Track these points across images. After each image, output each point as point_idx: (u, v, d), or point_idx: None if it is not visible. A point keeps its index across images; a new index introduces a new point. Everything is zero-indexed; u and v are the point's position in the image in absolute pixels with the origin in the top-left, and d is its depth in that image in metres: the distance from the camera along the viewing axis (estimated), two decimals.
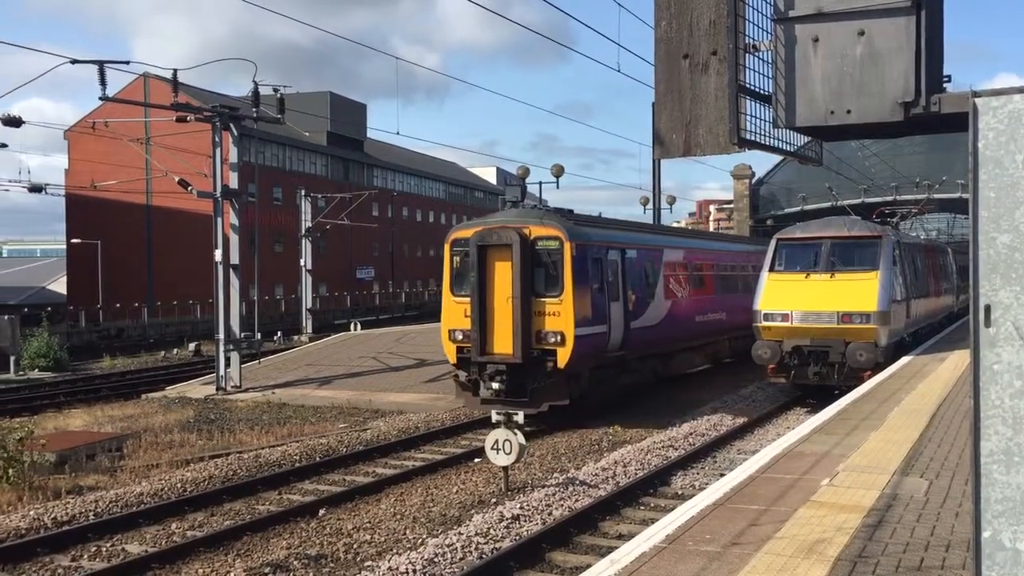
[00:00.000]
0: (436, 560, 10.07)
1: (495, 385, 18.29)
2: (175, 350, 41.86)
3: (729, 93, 4.38)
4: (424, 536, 11.32)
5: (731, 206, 76.12)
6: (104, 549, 11.15)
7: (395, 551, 10.69)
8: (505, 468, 13.57)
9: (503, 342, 18.41)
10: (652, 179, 41.43)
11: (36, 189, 44.92)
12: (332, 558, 10.59)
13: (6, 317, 34.45)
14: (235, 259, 25.33)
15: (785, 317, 20.51)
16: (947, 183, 49.05)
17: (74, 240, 60.95)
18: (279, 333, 45.29)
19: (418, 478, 14.65)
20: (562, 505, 12.44)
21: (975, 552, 3.71)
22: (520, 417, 13.54)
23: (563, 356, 18.15)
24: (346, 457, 16.17)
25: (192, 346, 41.37)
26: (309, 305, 47.76)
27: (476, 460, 15.62)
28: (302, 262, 46.68)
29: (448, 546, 10.47)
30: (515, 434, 13.25)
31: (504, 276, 18.41)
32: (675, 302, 23.61)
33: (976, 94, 3.69)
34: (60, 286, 70.86)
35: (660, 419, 19.60)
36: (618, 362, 20.44)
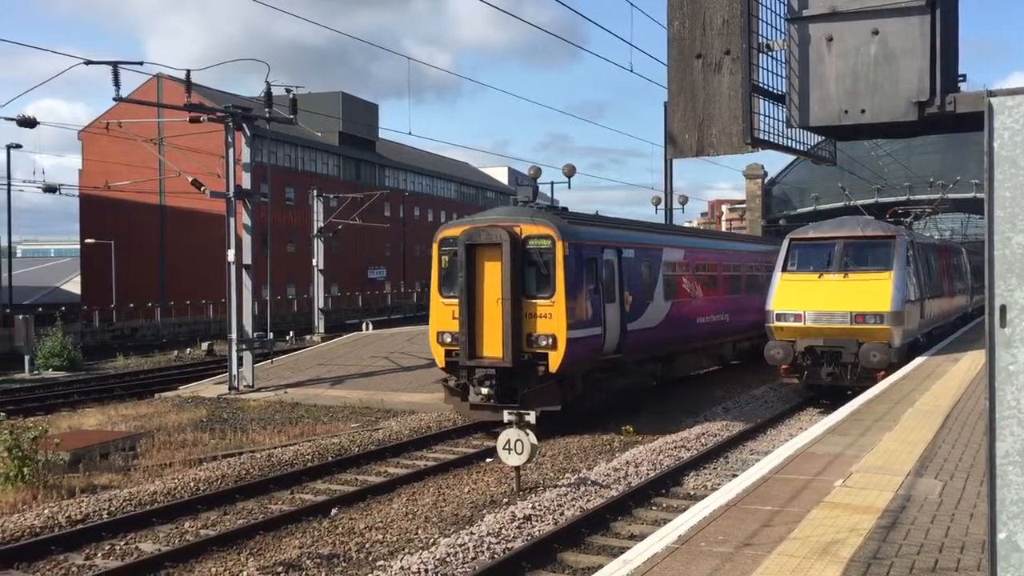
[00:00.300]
0: (448, 560, 10.08)
1: (484, 390, 17.62)
2: (188, 350, 42.02)
3: (742, 93, 4.37)
4: (436, 536, 11.33)
5: (743, 206, 75.90)
6: (118, 548, 11.21)
7: (407, 551, 10.71)
8: (517, 468, 13.57)
9: (493, 345, 17.79)
10: (664, 179, 41.42)
11: (50, 189, 45.24)
12: (344, 557, 10.61)
13: (21, 317, 34.67)
14: (248, 259, 25.40)
15: (798, 317, 20.45)
16: (961, 183, 48.75)
17: (88, 240, 61.26)
18: (291, 333, 45.41)
19: (430, 478, 14.67)
20: (574, 505, 12.43)
21: (990, 554, 3.69)
22: (532, 417, 13.51)
23: (555, 360, 17.50)
24: (358, 457, 16.20)
25: (205, 346, 41.52)
26: (321, 305, 47.87)
27: (488, 460, 15.63)
28: (314, 262, 46.78)
29: (460, 546, 10.48)
30: (527, 434, 13.25)
31: (494, 276, 17.78)
32: (675, 303, 22.90)
33: (991, 93, 3.68)
34: (74, 286, 71.29)
35: (672, 419, 19.57)
36: (614, 365, 19.73)
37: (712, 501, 8.74)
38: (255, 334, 25.91)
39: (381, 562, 10.32)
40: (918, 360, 20.30)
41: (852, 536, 7.30)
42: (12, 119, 27.28)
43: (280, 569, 10.15)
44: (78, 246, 67.68)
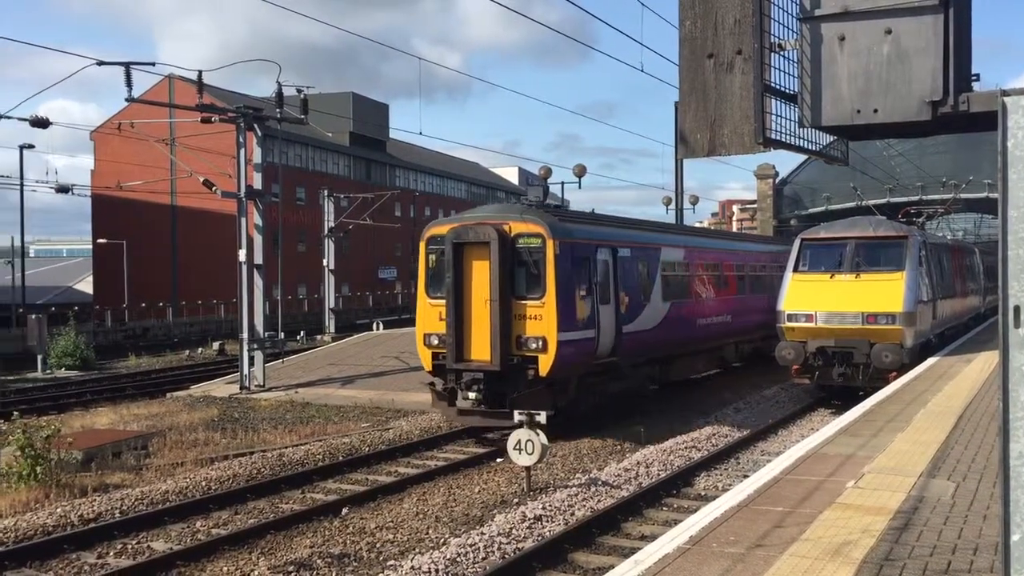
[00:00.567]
0: (459, 560, 10.09)
1: (472, 395, 16.97)
2: (199, 349, 42.16)
3: (754, 92, 4.36)
4: (447, 536, 11.34)
5: (754, 206, 75.69)
6: (130, 546, 11.25)
7: (418, 550, 10.72)
8: (527, 468, 13.57)
9: (480, 348, 17.10)
10: (675, 179, 41.35)
11: (63, 190, 45.44)
12: (355, 557, 10.63)
13: (34, 316, 34.85)
14: (259, 259, 25.47)
15: (809, 318, 20.38)
16: (974, 183, 48.52)
17: (100, 240, 61.56)
18: (302, 333, 45.51)
19: (440, 478, 14.69)
20: (584, 506, 12.42)
21: (1004, 555, 3.67)
22: (543, 417, 13.49)
23: (545, 363, 16.80)
24: (369, 456, 16.23)
25: (216, 345, 41.65)
26: (332, 305, 47.96)
27: (498, 460, 15.64)
28: (325, 262, 46.87)
29: (471, 546, 10.49)
30: (537, 434, 13.25)
31: (482, 276, 17.11)
32: (674, 304, 22.05)
33: (1005, 93, 3.66)
34: (86, 286, 71.58)
35: (682, 420, 19.53)
36: (609, 369, 18.98)
37: (723, 502, 8.73)
38: (266, 334, 25.98)
39: (392, 562, 10.33)
40: (930, 361, 20.22)
41: (864, 537, 7.28)
42: (25, 119, 27.41)
43: (291, 568, 10.17)
44: (90, 246, 68.01)
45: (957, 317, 26.74)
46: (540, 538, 10.90)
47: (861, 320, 19.93)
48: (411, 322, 21.37)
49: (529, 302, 17.08)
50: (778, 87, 4.47)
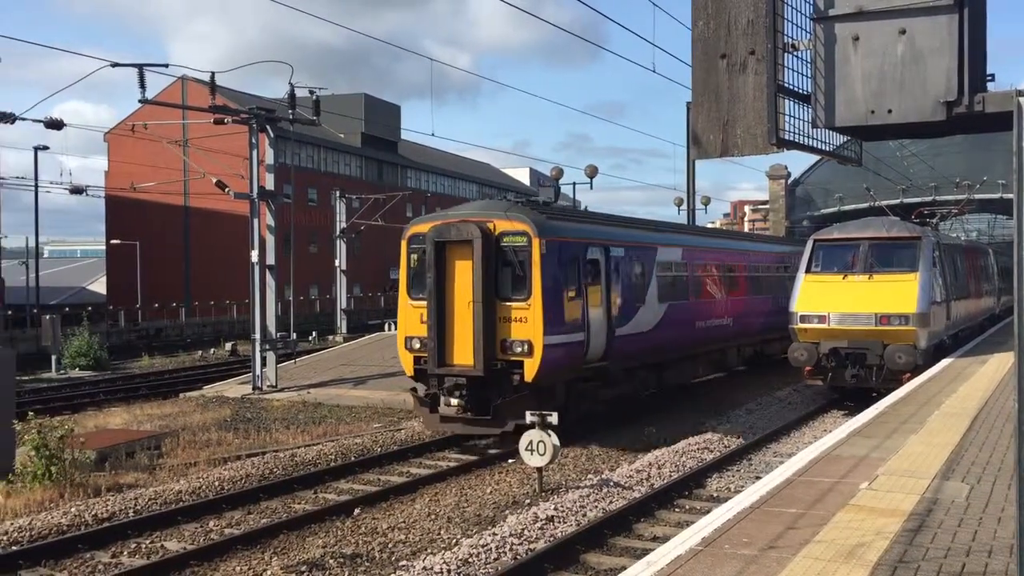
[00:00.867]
0: (470, 560, 10.09)
1: (455, 401, 16.35)
2: (212, 350, 42.32)
3: (767, 93, 4.35)
4: (458, 536, 11.35)
5: (766, 207, 75.50)
6: (143, 546, 11.30)
7: (430, 551, 10.74)
8: (539, 469, 13.57)
9: (463, 352, 16.36)
10: (687, 180, 41.26)
11: (77, 191, 45.67)
12: (367, 557, 10.65)
13: (48, 317, 35.07)
14: (271, 260, 25.56)
15: (822, 319, 20.30)
16: (988, 183, 48.31)
17: (114, 241, 61.85)
18: (314, 333, 45.64)
19: (452, 478, 14.70)
20: (596, 506, 12.41)
21: (1019, 557, 3.65)
22: (554, 418, 13.46)
23: (531, 368, 16.05)
24: (381, 457, 16.25)
25: (229, 346, 41.80)
26: (344, 305, 48.08)
27: (510, 461, 15.63)
28: (337, 263, 46.99)
29: (482, 546, 10.49)
30: (549, 435, 13.24)
31: (464, 277, 16.38)
32: (671, 306, 21.13)
33: (1021, 93, 3.64)
34: (100, 286, 71.95)
35: (694, 421, 19.48)
36: (600, 374, 18.16)
37: (736, 503, 8.70)
38: (278, 334, 26.07)
39: (404, 562, 10.35)
40: (944, 362, 20.11)
41: (878, 539, 7.25)
42: (39, 121, 27.55)
43: (304, 568, 10.20)
44: (104, 247, 68.37)
45: (971, 318, 26.59)
46: (552, 539, 10.90)
47: (874, 321, 19.85)
48: None
49: (514, 304, 16.36)
50: (791, 87, 4.46)
